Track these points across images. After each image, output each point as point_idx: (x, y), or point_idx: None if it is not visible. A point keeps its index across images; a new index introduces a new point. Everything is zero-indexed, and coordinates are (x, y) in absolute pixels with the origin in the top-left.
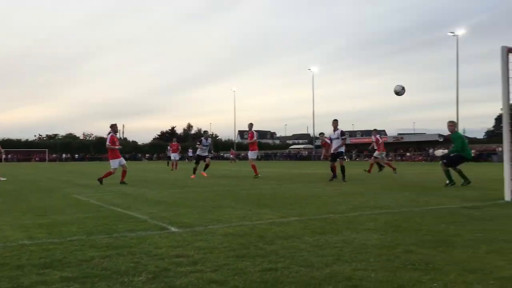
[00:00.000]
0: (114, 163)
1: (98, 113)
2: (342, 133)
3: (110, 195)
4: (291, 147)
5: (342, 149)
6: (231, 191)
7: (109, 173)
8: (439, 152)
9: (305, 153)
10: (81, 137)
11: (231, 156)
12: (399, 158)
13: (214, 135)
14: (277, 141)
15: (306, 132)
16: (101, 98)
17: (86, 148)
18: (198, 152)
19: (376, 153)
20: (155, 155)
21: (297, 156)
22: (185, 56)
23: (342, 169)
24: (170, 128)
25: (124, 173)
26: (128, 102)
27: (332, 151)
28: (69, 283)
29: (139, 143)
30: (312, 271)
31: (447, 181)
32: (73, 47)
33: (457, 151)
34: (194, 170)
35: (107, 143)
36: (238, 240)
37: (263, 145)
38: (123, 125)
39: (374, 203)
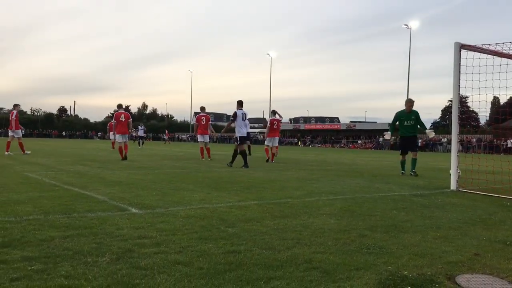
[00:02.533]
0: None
1: (47, 88)
2: (234, 114)
3: (64, 174)
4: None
5: (239, 133)
6: (188, 174)
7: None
8: (388, 135)
9: (261, 137)
10: (29, 112)
11: (166, 137)
12: (351, 145)
13: (169, 116)
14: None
15: (262, 116)
16: (51, 72)
17: (33, 124)
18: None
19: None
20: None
21: (252, 140)
22: (141, 31)
23: (239, 154)
24: (124, 107)
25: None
26: (79, 78)
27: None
28: (31, 262)
29: (91, 121)
30: (274, 254)
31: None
32: (18, 16)
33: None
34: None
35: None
36: (199, 223)
37: (219, 127)
38: (74, 101)
39: (329, 189)
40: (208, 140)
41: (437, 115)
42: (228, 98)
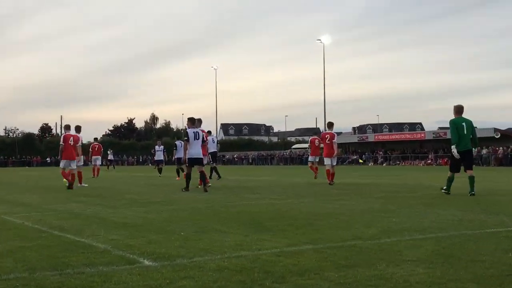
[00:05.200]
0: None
1: (24, 100)
2: (185, 133)
3: (52, 216)
4: (294, 146)
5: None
6: (216, 209)
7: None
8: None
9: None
10: (1, 134)
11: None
12: (441, 160)
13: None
14: (275, 139)
15: (314, 126)
16: (30, 79)
17: (9, 149)
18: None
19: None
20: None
21: (302, 159)
22: (148, 19)
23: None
24: (126, 121)
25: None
26: (66, 85)
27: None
28: None
29: (84, 141)
30: None
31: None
32: None
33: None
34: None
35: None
36: (236, 277)
37: (255, 144)
38: (61, 116)
39: (412, 224)
40: (207, 162)
41: None
42: (266, 102)
